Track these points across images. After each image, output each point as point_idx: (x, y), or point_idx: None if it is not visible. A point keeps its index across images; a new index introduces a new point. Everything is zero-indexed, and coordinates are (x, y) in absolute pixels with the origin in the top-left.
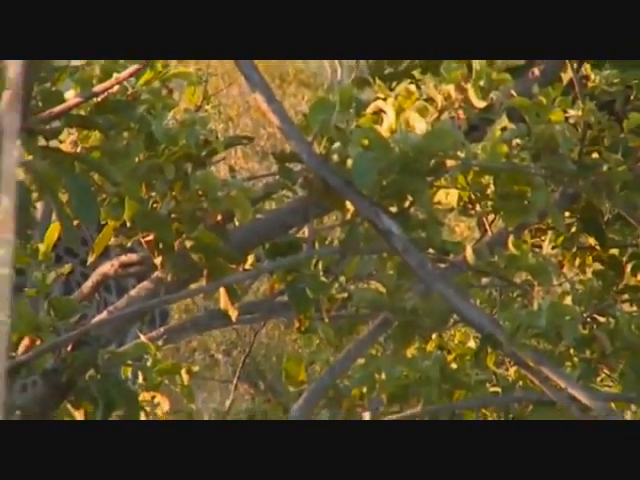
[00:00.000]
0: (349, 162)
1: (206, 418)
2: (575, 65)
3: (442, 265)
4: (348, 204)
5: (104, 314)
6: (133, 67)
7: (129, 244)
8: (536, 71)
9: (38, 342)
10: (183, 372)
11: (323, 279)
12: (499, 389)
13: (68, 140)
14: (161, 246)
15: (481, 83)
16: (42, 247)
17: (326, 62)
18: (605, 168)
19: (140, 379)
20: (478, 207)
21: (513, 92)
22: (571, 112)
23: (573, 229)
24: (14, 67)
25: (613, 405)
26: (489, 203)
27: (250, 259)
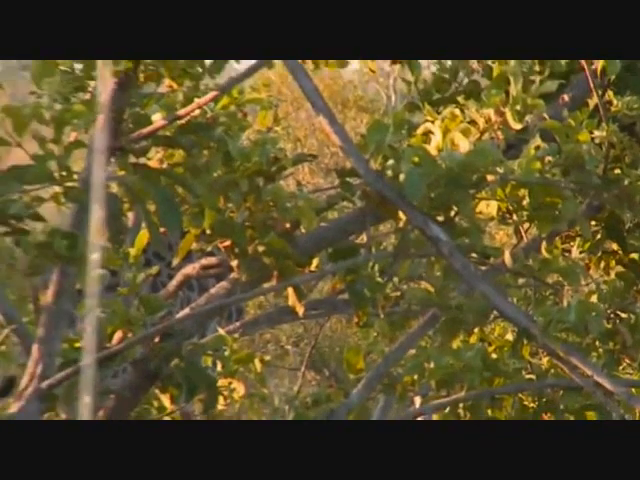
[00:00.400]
0: (401, 177)
1: (277, 402)
2: (600, 92)
3: (483, 267)
4: (401, 214)
5: (187, 310)
6: (212, 93)
7: (209, 249)
8: (566, 97)
9: (129, 334)
10: (257, 361)
11: (379, 279)
12: (533, 376)
13: (155, 157)
14: (237, 251)
15: (517, 107)
16: (133, 251)
17: (382, 90)
18: (626, 182)
19: (219, 367)
20: (515, 216)
21: (545, 115)
22: (596, 133)
23: (598, 236)
24: (106, 93)
25: (633, 390)
26: (524, 213)
27: (315, 262)
